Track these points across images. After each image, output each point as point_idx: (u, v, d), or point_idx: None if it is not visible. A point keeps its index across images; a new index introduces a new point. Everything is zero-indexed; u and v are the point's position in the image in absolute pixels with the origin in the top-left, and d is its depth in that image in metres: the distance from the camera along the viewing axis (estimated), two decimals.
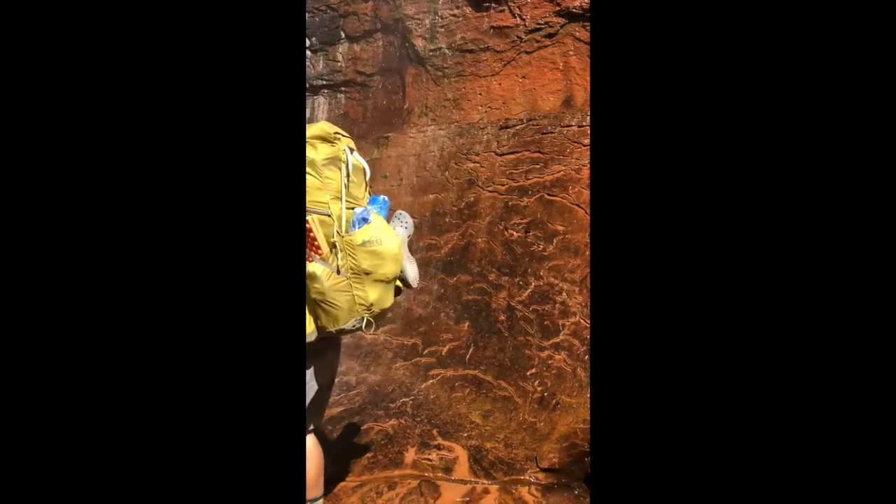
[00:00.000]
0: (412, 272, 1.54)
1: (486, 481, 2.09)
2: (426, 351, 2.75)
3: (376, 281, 1.39)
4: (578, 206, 2.68)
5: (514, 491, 2.01)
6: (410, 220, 1.68)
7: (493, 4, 3.12)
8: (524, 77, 3.06)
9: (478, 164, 3.00)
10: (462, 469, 2.13)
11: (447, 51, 3.25)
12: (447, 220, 2.98)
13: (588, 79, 2.88)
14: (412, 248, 1.71)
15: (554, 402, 2.28)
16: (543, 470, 2.08)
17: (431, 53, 3.30)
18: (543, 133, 2.87)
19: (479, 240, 2.88)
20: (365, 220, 1.40)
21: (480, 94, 3.16)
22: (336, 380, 2.88)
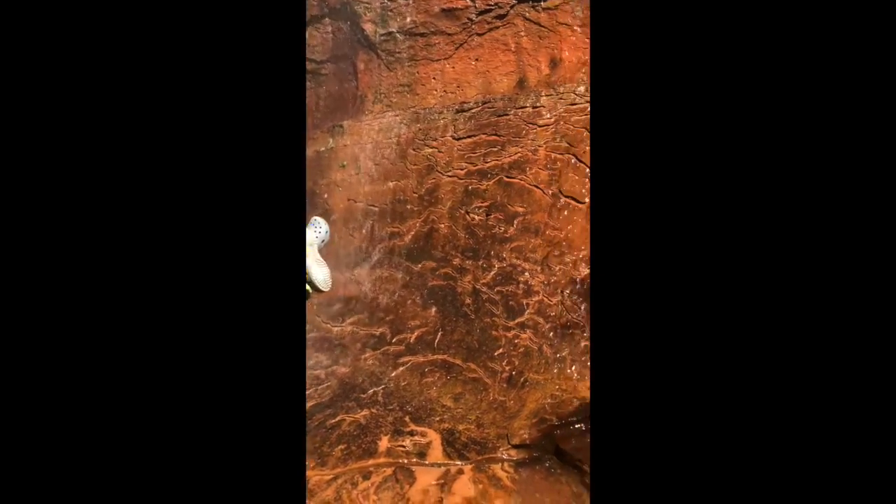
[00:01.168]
0: (321, 276, 1.51)
1: (459, 462, 2.12)
2: (394, 339, 2.75)
3: None
4: (536, 186, 2.71)
5: (487, 469, 2.06)
6: (325, 227, 1.65)
7: None
8: (477, 60, 3.05)
9: (436, 150, 2.98)
10: (436, 452, 2.15)
11: (398, 35, 3.19)
12: (408, 207, 2.96)
13: (540, 59, 2.90)
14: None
15: (522, 379, 2.33)
16: (515, 446, 2.13)
17: (382, 38, 3.23)
18: (499, 115, 2.87)
19: (442, 225, 2.88)
20: None
21: (434, 78, 3.13)
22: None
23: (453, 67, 3.10)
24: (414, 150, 3.04)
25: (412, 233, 2.93)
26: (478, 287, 2.66)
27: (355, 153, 3.21)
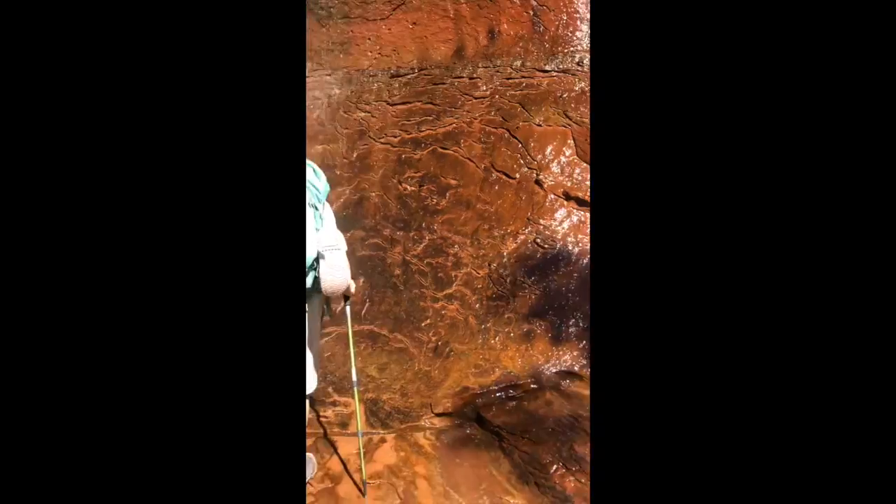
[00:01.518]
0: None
1: (382, 431, 2.13)
2: None
3: None
4: (470, 159, 2.71)
5: (409, 437, 2.08)
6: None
7: None
8: (415, 24, 2.94)
9: (369, 114, 2.87)
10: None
11: None
12: (338, 172, 2.84)
13: (479, 29, 2.85)
14: None
15: (447, 350, 2.36)
16: (438, 415, 2.17)
17: None
18: (435, 84, 2.81)
19: (373, 194, 2.80)
20: None
21: (369, 38, 2.98)
22: None
23: (389, 30, 2.97)
24: (345, 112, 2.90)
25: (341, 200, 2.82)
26: (408, 258, 2.63)
27: None
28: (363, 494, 1.79)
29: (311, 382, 1.79)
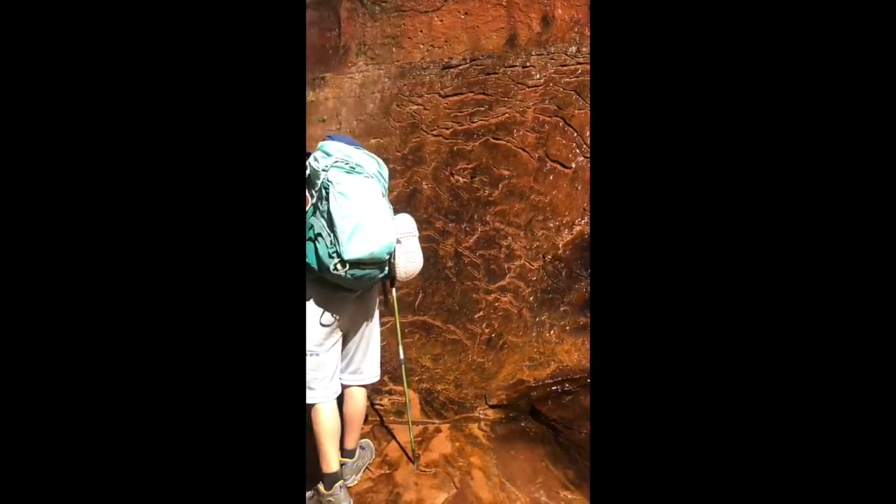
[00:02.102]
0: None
1: (437, 421, 2.15)
2: None
3: None
4: (523, 149, 2.66)
5: (464, 428, 2.09)
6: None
7: None
8: (466, 14, 2.92)
9: (421, 107, 2.88)
10: (414, 411, 2.17)
11: None
12: (391, 166, 2.87)
13: (532, 16, 2.79)
14: None
15: (501, 342, 2.35)
16: (492, 407, 2.16)
17: None
18: (487, 74, 2.78)
19: (426, 186, 2.82)
20: None
21: (421, 31, 2.99)
22: None
23: (441, 21, 2.96)
24: (398, 106, 2.93)
25: (395, 193, 2.86)
26: (460, 250, 2.63)
27: (336, 107, 3.08)
28: (413, 462, 1.87)
29: (375, 372, 1.84)
